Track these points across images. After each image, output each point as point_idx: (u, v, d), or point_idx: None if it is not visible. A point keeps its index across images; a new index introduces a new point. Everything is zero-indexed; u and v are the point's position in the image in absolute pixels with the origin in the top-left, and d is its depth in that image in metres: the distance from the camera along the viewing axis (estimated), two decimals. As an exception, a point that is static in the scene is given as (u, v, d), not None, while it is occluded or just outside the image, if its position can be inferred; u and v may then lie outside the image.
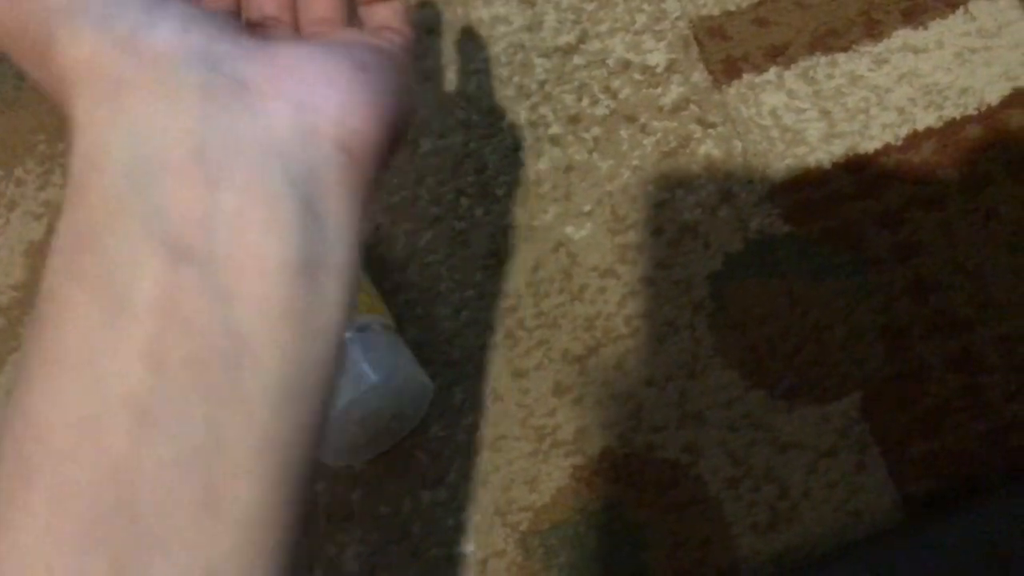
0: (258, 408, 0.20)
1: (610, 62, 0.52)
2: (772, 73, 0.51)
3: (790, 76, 0.51)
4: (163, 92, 0.20)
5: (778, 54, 0.52)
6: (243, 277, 0.20)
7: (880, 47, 0.51)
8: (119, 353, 0.19)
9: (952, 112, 0.49)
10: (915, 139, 0.49)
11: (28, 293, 0.50)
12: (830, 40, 0.52)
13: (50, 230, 0.50)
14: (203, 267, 0.19)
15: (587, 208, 0.49)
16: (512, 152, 0.51)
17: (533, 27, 0.54)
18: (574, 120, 0.51)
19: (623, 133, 0.51)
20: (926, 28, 0.51)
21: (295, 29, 0.27)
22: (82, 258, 0.20)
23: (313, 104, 0.21)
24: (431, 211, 0.50)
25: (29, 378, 0.19)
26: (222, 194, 0.20)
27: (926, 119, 0.49)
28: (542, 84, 0.53)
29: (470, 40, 0.54)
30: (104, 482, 0.18)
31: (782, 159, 0.49)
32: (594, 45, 0.53)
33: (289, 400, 0.20)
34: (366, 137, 0.22)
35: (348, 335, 0.42)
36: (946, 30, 0.51)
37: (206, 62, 0.20)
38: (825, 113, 0.50)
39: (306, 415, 0.21)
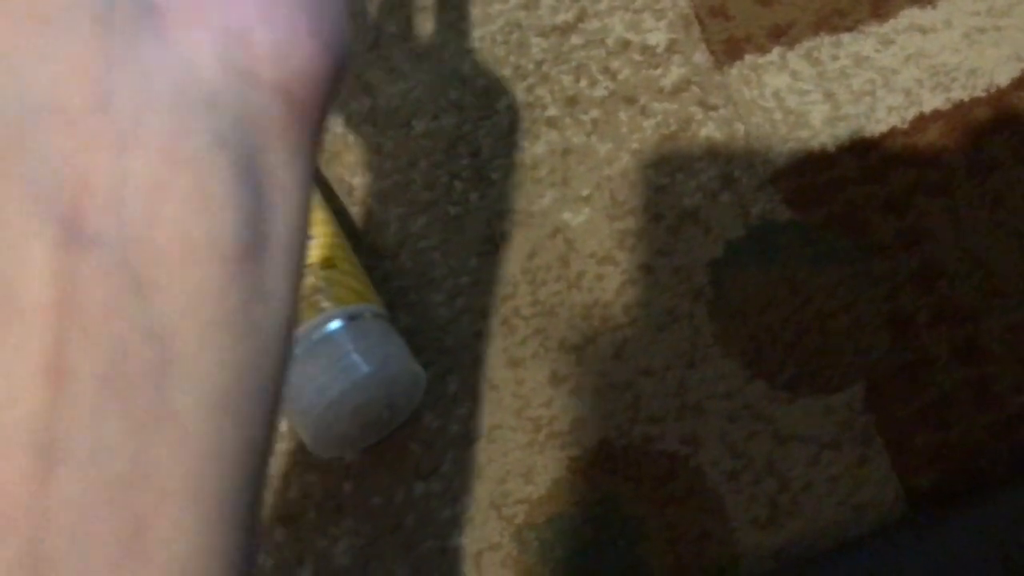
0: (189, 428, 0.16)
1: (609, 42, 0.51)
2: (775, 54, 0.50)
3: (794, 57, 0.50)
4: (50, 23, 0.15)
5: (781, 34, 0.50)
6: (164, 265, 0.15)
7: (886, 27, 0.50)
8: (11, 369, 0.15)
9: (960, 94, 0.48)
10: (922, 122, 0.48)
11: None
12: (835, 20, 0.50)
13: None
14: (112, 251, 0.15)
15: (585, 193, 0.48)
16: (508, 135, 0.50)
17: (530, 5, 0.52)
18: (572, 102, 0.50)
19: (622, 115, 0.49)
20: (934, 7, 0.50)
21: None
22: None
23: (247, 39, 0.17)
24: (424, 196, 0.49)
25: None
26: (133, 157, 0.15)
27: (933, 101, 0.48)
28: (539, 64, 0.51)
29: (464, 18, 0.53)
30: (1, 536, 0.15)
31: (785, 142, 0.48)
32: (593, 24, 0.51)
33: (228, 414, 0.16)
34: (312, 77, 0.17)
35: (338, 324, 0.41)
36: (955, 9, 0.50)
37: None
38: (829, 95, 0.49)
39: (250, 430, 0.17)
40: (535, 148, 0.50)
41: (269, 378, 0.17)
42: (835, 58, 0.50)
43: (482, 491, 0.43)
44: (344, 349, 0.40)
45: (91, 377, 0.15)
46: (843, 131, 0.48)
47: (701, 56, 0.50)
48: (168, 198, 0.16)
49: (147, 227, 0.15)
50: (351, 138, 0.50)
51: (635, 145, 0.49)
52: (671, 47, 0.51)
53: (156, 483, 0.15)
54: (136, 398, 0.15)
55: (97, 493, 0.15)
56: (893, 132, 0.48)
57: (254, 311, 0.17)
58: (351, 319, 0.41)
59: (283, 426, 0.45)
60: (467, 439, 0.44)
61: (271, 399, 0.17)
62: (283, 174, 0.17)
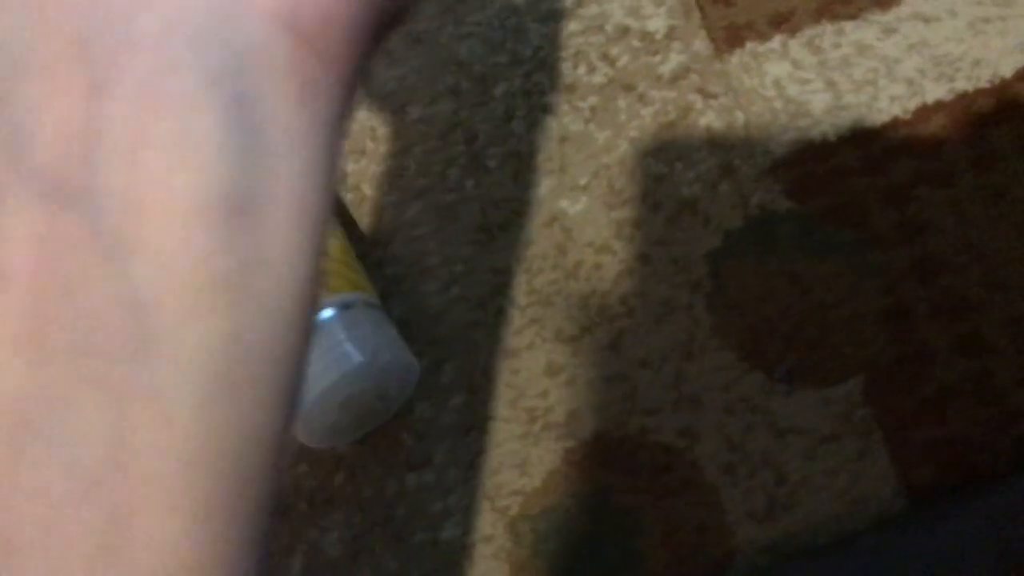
0: (176, 409, 0.14)
1: (608, 28, 0.50)
2: (776, 41, 0.49)
3: (795, 45, 0.49)
4: None
5: (783, 22, 0.49)
6: (144, 224, 0.14)
7: (889, 15, 0.49)
8: None
9: (964, 85, 0.47)
10: (924, 112, 0.47)
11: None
12: (837, 7, 0.50)
13: None
14: (88, 210, 0.14)
15: (582, 181, 0.47)
16: (504, 121, 0.49)
17: (528, -10, 0.52)
18: (570, 89, 0.49)
19: (621, 103, 0.49)
20: (938, -4, 0.49)
21: None
22: None
23: None
24: (418, 182, 0.48)
25: None
26: (111, 102, 0.14)
27: (936, 91, 0.47)
28: (537, 50, 0.50)
29: (462, 3, 0.52)
30: None
31: (785, 132, 0.47)
32: (591, 10, 0.51)
33: (221, 397, 0.14)
34: (324, 7, 0.15)
35: (330, 313, 0.40)
36: (959, -2, 0.49)
37: None
38: (831, 84, 0.48)
39: (249, 418, 0.15)
40: (532, 135, 0.49)
41: (278, 351, 0.15)
42: (837, 46, 0.49)
43: (475, 483, 0.43)
44: (336, 338, 0.40)
45: (68, 352, 0.14)
46: (844, 121, 0.47)
47: (701, 43, 0.49)
48: (148, 146, 0.14)
49: (126, 180, 0.14)
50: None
51: (634, 133, 0.48)
52: (671, 34, 0.50)
53: (137, 472, 0.14)
54: (116, 375, 0.14)
55: (72, 480, 0.14)
56: (895, 122, 0.47)
57: (254, 277, 0.15)
58: (344, 308, 0.41)
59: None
60: (460, 430, 0.44)
61: (280, 379, 0.15)
62: (290, 119, 0.15)
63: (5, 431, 0.14)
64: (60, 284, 0.14)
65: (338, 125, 0.16)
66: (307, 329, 0.16)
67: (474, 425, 0.44)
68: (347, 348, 0.39)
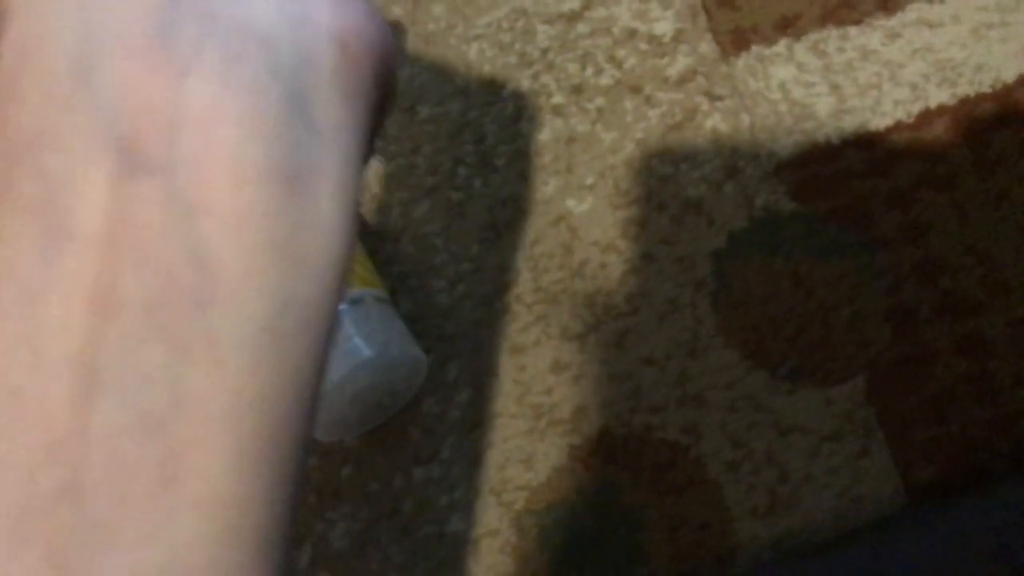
0: (229, 356, 0.16)
1: (615, 30, 0.51)
2: (782, 45, 0.50)
3: (800, 49, 0.50)
4: None
5: (788, 26, 0.50)
6: (213, 188, 0.16)
7: (894, 21, 0.50)
8: (61, 296, 0.15)
9: (966, 89, 0.48)
10: (927, 116, 0.48)
11: None
12: (842, 12, 0.50)
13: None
14: (164, 177, 0.15)
15: (589, 181, 0.48)
16: (512, 122, 0.50)
17: (536, -8, 0.52)
18: (577, 90, 0.50)
19: (627, 104, 0.49)
20: (942, 2, 0.50)
21: None
22: (16, 178, 0.16)
23: None
24: (427, 181, 0.49)
25: None
26: (190, 83, 0.16)
27: (939, 96, 0.48)
28: (545, 52, 0.51)
29: (471, 4, 0.52)
30: (41, 463, 0.15)
31: (790, 134, 0.48)
32: (599, 12, 0.51)
33: (269, 347, 0.16)
34: (366, 39, 0.18)
35: (341, 306, 0.41)
36: (962, 4, 0.50)
37: None
38: (835, 88, 0.49)
39: (291, 364, 0.16)
40: (540, 135, 0.49)
41: (317, 311, 0.17)
42: (842, 51, 0.49)
43: (481, 477, 0.43)
44: (346, 333, 0.40)
45: (137, 305, 0.15)
46: (848, 124, 0.48)
47: (708, 46, 0.50)
48: (221, 122, 0.16)
49: (200, 150, 0.16)
50: (355, 122, 0.50)
51: (640, 134, 0.49)
52: (677, 37, 0.50)
53: (193, 412, 0.15)
54: (178, 324, 0.15)
55: (135, 422, 0.15)
56: (898, 126, 0.48)
57: (302, 239, 0.16)
58: (354, 303, 0.41)
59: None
60: (467, 425, 0.44)
61: (318, 331, 0.17)
62: (336, 112, 0.17)
63: (77, 383, 0.15)
64: (133, 241, 0.15)
65: (367, 136, 0.19)
66: (340, 295, 0.18)
67: (480, 421, 0.44)
68: (357, 342, 0.40)
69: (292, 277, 0.16)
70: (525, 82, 0.50)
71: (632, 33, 0.51)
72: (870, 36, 0.50)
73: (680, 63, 0.50)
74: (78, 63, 0.16)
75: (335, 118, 0.17)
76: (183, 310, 0.15)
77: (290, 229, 0.16)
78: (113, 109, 0.16)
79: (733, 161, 0.48)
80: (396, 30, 0.52)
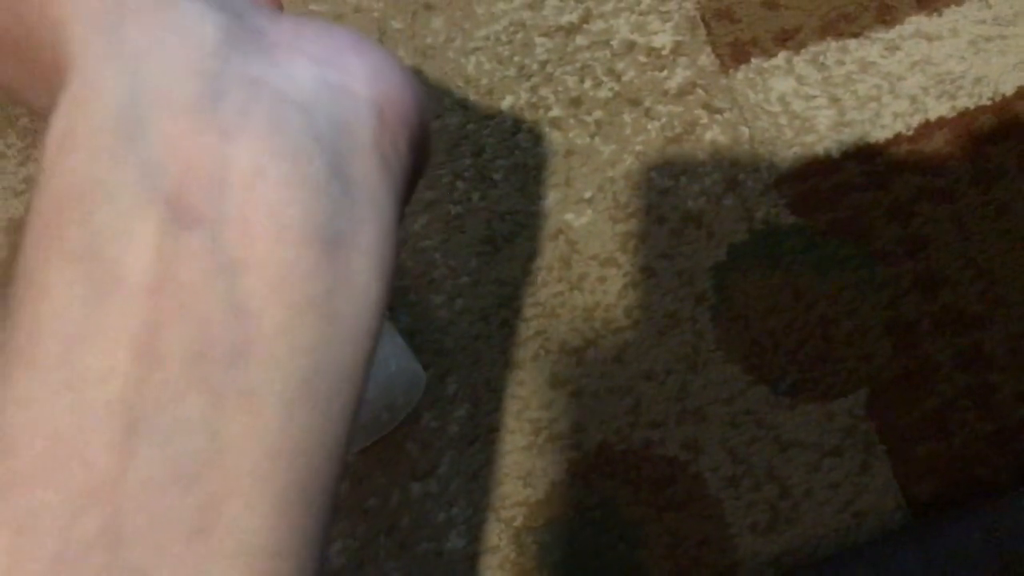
0: (266, 410, 0.16)
1: (614, 43, 0.51)
2: (781, 58, 0.50)
3: (800, 61, 0.49)
4: (174, 23, 0.17)
5: (788, 38, 0.50)
6: (256, 246, 0.16)
7: (893, 33, 0.50)
8: (105, 344, 0.16)
9: (965, 102, 0.48)
10: (927, 129, 0.48)
11: (8, 274, 0.48)
12: (841, 25, 0.50)
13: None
14: (209, 232, 0.16)
15: (588, 194, 0.48)
16: (511, 135, 0.50)
17: (535, 5, 0.52)
18: (576, 103, 0.50)
19: (626, 117, 0.49)
20: (940, 15, 0.50)
21: None
22: (65, 227, 0.16)
23: (343, 64, 0.19)
24: (426, 195, 0.49)
25: (1, 382, 0.16)
26: (237, 146, 0.17)
27: (939, 108, 0.48)
28: (543, 65, 0.51)
29: (469, 17, 0.52)
30: (82, 507, 0.15)
31: (790, 147, 0.48)
32: (598, 25, 0.51)
33: (304, 400, 0.17)
34: (402, 107, 0.19)
35: None
36: (961, 17, 0.50)
37: (224, 4, 0.18)
38: (835, 100, 0.49)
39: (324, 421, 0.17)
40: (538, 149, 0.49)
41: (349, 369, 0.17)
42: (841, 63, 0.49)
43: (480, 493, 0.43)
44: None
45: (179, 355, 0.16)
46: (848, 137, 0.48)
47: (707, 59, 0.50)
48: (265, 183, 0.17)
49: (244, 208, 0.16)
50: (353, 135, 0.50)
51: (639, 147, 0.48)
52: (677, 49, 0.50)
53: (230, 464, 0.16)
54: (218, 376, 0.16)
55: (174, 471, 0.16)
56: (898, 138, 0.48)
57: (338, 300, 0.17)
58: None
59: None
60: (465, 441, 0.44)
61: (350, 391, 0.18)
62: (373, 178, 0.18)
63: (118, 430, 0.16)
64: (177, 293, 0.16)
65: (402, 199, 0.19)
66: (372, 356, 0.18)
67: (479, 436, 0.44)
68: None
69: (327, 337, 0.17)
70: (523, 95, 0.50)
71: (631, 46, 0.51)
72: (869, 49, 0.50)
73: (679, 76, 0.50)
74: (129, 120, 0.16)
75: (372, 184, 0.18)
76: (223, 363, 0.16)
77: (327, 290, 0.17)
78: (161, 165, 0.16)
79: (733, 174, 0.47)
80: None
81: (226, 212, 0.16)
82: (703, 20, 0.51)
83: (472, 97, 0.51)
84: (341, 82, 0.18)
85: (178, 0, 0.17)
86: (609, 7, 0.51)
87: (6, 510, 0.15)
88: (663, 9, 0.51)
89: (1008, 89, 0.48)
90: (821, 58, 0.49)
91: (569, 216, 0.48)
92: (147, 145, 0.16)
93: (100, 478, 0.15)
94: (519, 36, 0.52)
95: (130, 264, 0.16)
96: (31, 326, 0.16)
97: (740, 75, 0.49)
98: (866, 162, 0.47)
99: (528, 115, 0.50)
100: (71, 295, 0.16)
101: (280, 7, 0.25)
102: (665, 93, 0.49)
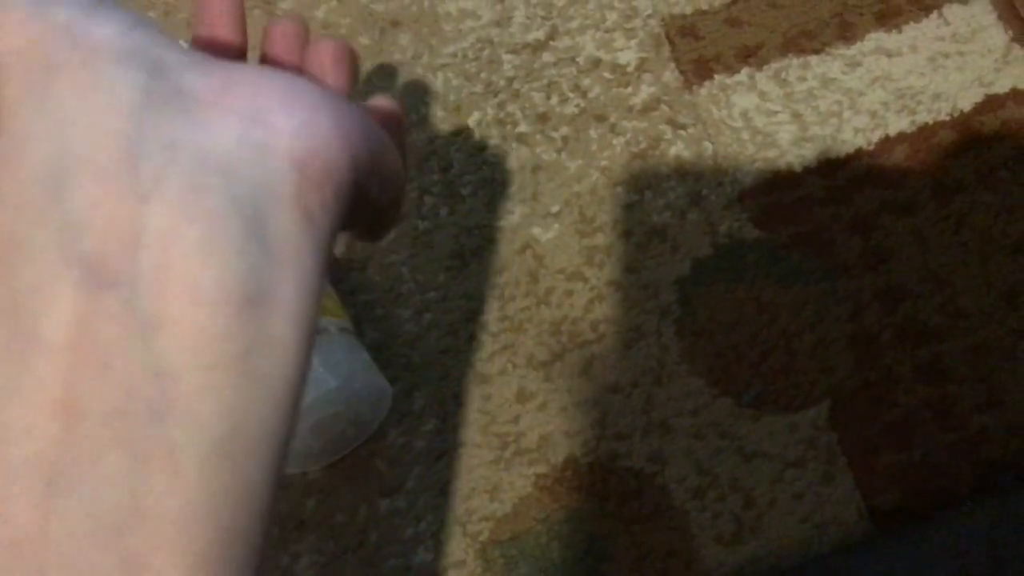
0: (187, 466, 0.17)
1: (580, 60, 0.51)
2: (744, 74, 0.50)
3: (762, 77, 0.50)
4: (98, 85, 0.18)
5: (750, 55, 0.51)
6: (172, 307, 0.17)
7: (853, 49, 0.51)
8: (24, 401, 0.16)
9: (925, 117, 0.49)
10: (887, 144, 0.48)
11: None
12: (803, 42, 0.51)
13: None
14: (126, 294, 0.17)
15: (555, 209, 0.48)
16: (478, 151, 0.50)
17: (502, 22, 0.53)
18: (542, 119, 0.50)
19: (592, 133, 0.50)
20: (900, 31, 0.51)
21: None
22: None
23: (267, 120, 0.19)
24: (394, 210, 0.49)
25: None
26: (152, 207, 0.17)
27: (899, 123, 0.49)
28: (510, 81, 0.51)
29: (436, 34, 0.53)
30: (6, 564, 0.16)
31: (752, 162, 0.48)
32: (564, 42, 0.52)
33: (223, 459, 0.17)
34: (327, 161, 0.19)
35: None
36: (920, 34, 0.51)
37: (149, 65, 0.18)
38: (797, 116, 0.49)
39: (246, 477, 0.17)
40: (505, 164, 0.50)
41: (271, 425, 0.18)
42: (803, 79, 0.50)
43: (447, 508, 0.43)
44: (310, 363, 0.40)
45: (99, 414, 0.16)
46: (810, 151, 0.48)
47: (671, 75, 0.51)
48: (179, 246, 0.17)
49: (160, 271, 0.17)
50: (321, 151, 0.50)
51: (605, 162, 0.49)
52: (641, 66, 0.51)
53: (152, 519, 0.16)
54: (138, 434, 0.16)
55: (96, 525, 0.16)
56: (859, 153, 0.48)
57: (257, 358, 0.18)
58: (317, 333, 0.41)
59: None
60: (432, 456, 0.44)
61: (273, 446, 0.18)
62: (294, 234, 0.19)
63: (38, 486, 0.16)
64: (96, 354, 0.17)
65: (327, 250, 0.20)
66: (295, 410, 0.19)
67: (446, 451, 0.44)
68: (320, 372, 0.40)
69: (247, 394, 0.17)
70: (491, 111, 0.51)
71: (596, 63, 0.51)
72: (830, 65, 0.50)
73: (644, 92, 0.50)
74: (50, 179, 0.17)
75: (293, 241, 0.18)
76: (142, 420, 0.16)
77: (245, 349, 0.17)
78: (80, 225, 0.17)
79: (697, 189, 0.48)
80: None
81: (142, 273, 0.17)
82: (667, 37, 0.51)
83: (439, 113, 0.51)
84: (263, 140, 0.18)
85: (102, 60, 0.18)
86: (575, 24, 0.52)
87: None
88: (628, 26, 0.52)
89: (966, 105, 0.49)
90: (783, 74, 0.50)
91: (536, 231, 0.48)
92: (67, 204, 0.17)
93: (22, 532, 0.16)
94: (486, 53, 0.52)
95: (50, 322, 0.16)
96: None
97: (704, 91, 0.50)
98: (828, 176, 0.48)
99: (495, 131, 0.50)
100: None
101: (238, 49, 0.24)
102: (630, 109, 0.50)
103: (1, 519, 0.16)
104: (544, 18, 0.52)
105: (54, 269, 0.17)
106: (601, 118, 0.50)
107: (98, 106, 0.18)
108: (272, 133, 0.19)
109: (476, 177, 0.49)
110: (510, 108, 0.51)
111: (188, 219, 0.17)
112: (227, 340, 0.17)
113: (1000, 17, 0.51)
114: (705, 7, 0.52)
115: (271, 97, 0.19)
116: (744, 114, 0.49)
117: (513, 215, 0.48)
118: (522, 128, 0.50)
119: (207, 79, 0.19)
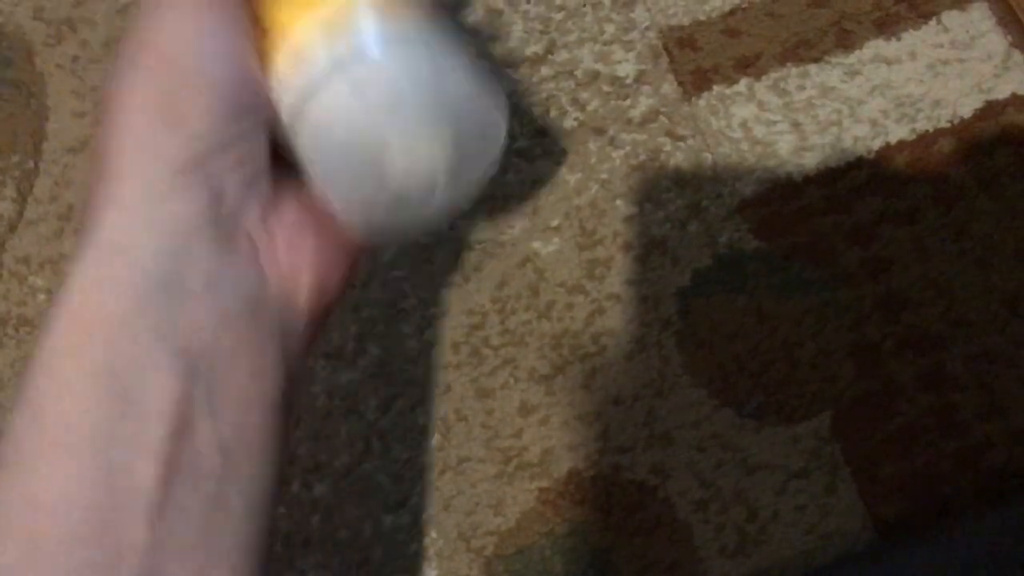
0: (236, 515, 0.22)
1: (578, 73, 0.51)
2: (743, 84, 0.50)
3: (761, 87, 0.50)
4: (192, 232, 0.22)
5: (748, 65, 0.51)
6: (231, 405, 0.22)
7: (852, 58, 0.51)
8: (136, 450, 0.20)
9: (925, 125, 0.49)
10: (887, 152, 0.48)
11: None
12: (801, 51, 0.51)
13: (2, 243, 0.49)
14: (206, 387, 0.21)
15: (555, 223, 0.48)
16: (478, 165, 0.50)
17: (500, 37, 0.53)
18: (541, 133, 0.50)
19: (591, 146, 0.50)
20: (899, 39, 0.51)
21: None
22: (89, 344, 0.20)
23: (297, 274, 0.24)
24: (395, 226, 0.49)
25: (32, 458, 0.20)
26: (225, 329, 0.22)
27: (899, 132, 0.49)
28: (509, 96, 0.51)
29: (436, 50, 0.53)
30: (121, 567, 0.19)
31: (752, 172, 0.48)
32: (562, 56, 0.52)
33: (260, 508, 0.22)
34: (331, 299, 0.26)
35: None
36: (919, 41, 0.51)
37: (215, 194, 0.23)
38: (796, 125, 0.49)
39: (266, 523, 0.23)
40: (505, 178, 0.50)
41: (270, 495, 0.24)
42: (802, 88, 0.50)
43: (451, 523, 0.43)
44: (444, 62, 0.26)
45: (188, 472, 0.21)
46: (810, 161, 0.48)
47: (669, 87, 0.51)
48: (241, 359, 0.23)
49: (227, 375, 0.22)
50: (322, 169, 0.50)
51: (604, 175, 0.49)
52: (640, 78, 0.51)
53: (214, 550, 0.21)
54: (209, 492, 0.21)
55: (184, 550, 0.20)
56: (859, 162, 0.48)
57: (280, 446, 0.24)
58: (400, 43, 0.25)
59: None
60: (436, 471, 0.44)
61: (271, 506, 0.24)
62: (301, 355, 0.25)
63: (147, 511, 0.20)
64: (188, 429, 0.21)
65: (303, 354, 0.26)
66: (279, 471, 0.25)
67: (449, 466, 0.44)
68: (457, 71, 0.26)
69: (270, 467, 0.23)
70: (490, 126, 0.51)
71: (595, 76, 0.51)
72: (829, 73, 0.50)
73: (643, 104, 0.50)
74: (161, 282, 0.22)
75: (300, 358, 0.25)
76: (213, 483, 0.21)
77: (278, 434, 0.24)
78: (174, 325, 0.22)
79: (696, 200, 0.48)
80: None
81: (217, 376, 0.22)
82: (665, 49, 0.51)
83: (439, 129, 0.51)
84: (293, 293, 0.24)
85: (179, 180, 0.22)
86: (573, 38, 0.52)
87: (52, 566, 0.19)
88: (626, 39, 0.52)
89: (966, 112, 0.49)
90: (782, 84, 0.50)
91: (536, 244, 0.48)
92: (170, 306, 0.21)
93: (135, 543, 0.20)
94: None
95: (150, 393, 0.20)
96: (57, 417, 0.20)
97: (702, 102, 0.50)
98: (828, 186, 0.48)
99: (495, 145, 0.50)
100: (98, 402, 0.20)
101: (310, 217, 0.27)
102: (629, 122, 0.50)
103: (117, 533, 0.20)
104: (542, 32, 0.53)
105: (154, 351, 0.21)
106: (600, 131, 0.50)
107: (196, 247, 0.23)
108: (300, 287, 0.24)
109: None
110: (509, 123, 0.51)
111: (248, 343, 0.23)
112: (264, 431, 0.24)
113: (999, 23, 0.51)
114: (703, 18, 0.52)
115: (304, 249, 0.25)
116: (743, 124, 0.49)
117: (513, 229, 0.49)
118: (521, 142, 0.50)
119: (258, 225, 0.24)
